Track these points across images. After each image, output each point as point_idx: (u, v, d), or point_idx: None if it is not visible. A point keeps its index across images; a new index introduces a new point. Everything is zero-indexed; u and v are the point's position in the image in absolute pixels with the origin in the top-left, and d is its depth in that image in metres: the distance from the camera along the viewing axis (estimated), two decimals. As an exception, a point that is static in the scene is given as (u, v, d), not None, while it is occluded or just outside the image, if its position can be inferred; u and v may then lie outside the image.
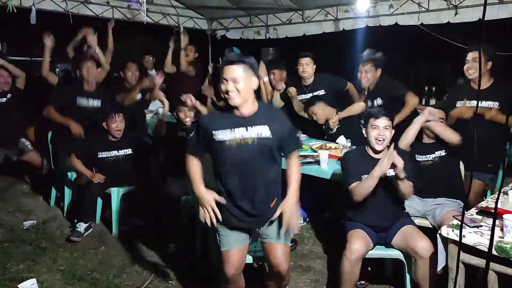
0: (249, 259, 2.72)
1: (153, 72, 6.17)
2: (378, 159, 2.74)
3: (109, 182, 3.99)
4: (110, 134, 4.04)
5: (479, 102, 3.30)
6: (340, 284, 2.72)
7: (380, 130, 2.78)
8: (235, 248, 2.44)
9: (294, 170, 2.38)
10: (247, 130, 2.28)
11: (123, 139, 4.09)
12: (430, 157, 3.18)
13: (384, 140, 2.78)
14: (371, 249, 2.78)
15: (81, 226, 3.83)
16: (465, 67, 3.41)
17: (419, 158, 3.22)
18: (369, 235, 2.76)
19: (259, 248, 2.64)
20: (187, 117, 3.85)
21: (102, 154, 4.06)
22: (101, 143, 4.07)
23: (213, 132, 2.31)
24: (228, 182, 2.36)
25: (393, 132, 2.87)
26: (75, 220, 3.90)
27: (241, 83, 2.23)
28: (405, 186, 2.67)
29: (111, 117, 4.01)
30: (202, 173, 2.44)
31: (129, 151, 4.12)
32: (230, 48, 5.27)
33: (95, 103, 4.46)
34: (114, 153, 4.08)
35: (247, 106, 2.29)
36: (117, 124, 4.01)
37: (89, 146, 4.08)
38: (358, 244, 2.66)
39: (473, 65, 3.34)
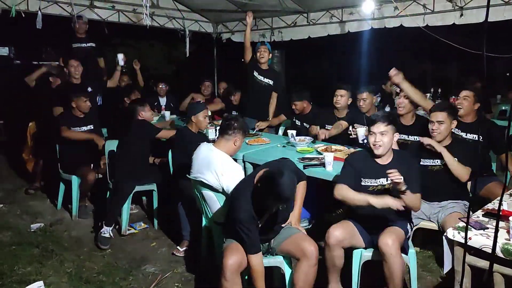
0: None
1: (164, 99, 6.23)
2: (381, 165, 2.78)
3: (135, 181, 4.01)
4: None
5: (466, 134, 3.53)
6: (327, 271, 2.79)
7: (376, 136, 2.75)
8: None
9: (300, 192, 2.88)
10: None
11: None
12: (438, 162, 3.15)
13: (381, 146, 2.74)
14: (363, 248, 2.79)
15: (107, 231, 3.78)
16: (456, 102, 3.58)
17: (426, 162, 3.20)
18: (362, 234, 2.78)
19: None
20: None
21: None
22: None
23: None
24: None
25: (396, 136, 2.83)
26: (101, 224, 3.82)
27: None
28: (410, 198, 2.58)
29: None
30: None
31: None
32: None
33: None
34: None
35: None
36: None
37: None
38: (338, 231, 2.70)
39: (462, 103, 3.52)
